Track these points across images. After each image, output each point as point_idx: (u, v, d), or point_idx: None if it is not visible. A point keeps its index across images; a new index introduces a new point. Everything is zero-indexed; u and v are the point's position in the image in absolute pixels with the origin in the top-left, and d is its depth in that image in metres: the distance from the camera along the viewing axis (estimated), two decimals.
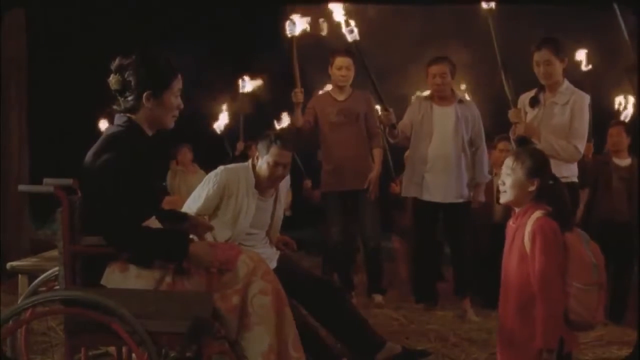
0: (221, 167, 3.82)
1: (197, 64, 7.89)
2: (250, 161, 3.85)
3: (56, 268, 2.76)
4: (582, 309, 2.69)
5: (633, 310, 5.62)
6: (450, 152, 5.05)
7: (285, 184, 3.99)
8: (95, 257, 2.65)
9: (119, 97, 2.78)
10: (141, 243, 2.64)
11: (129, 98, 2.75)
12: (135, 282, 2.65)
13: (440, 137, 5.07)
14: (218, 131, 8.01)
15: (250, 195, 3.74)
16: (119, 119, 2.78)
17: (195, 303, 2.57)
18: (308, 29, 5.26)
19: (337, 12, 4.90)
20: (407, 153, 5.53)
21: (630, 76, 6.44)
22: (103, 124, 7.52)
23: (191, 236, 2.94)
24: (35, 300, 2.58)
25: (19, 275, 3.59)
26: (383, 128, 5.43)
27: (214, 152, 7.96)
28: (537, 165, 2.83)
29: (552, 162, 3.18)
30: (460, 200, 5.09)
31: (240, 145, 7.73)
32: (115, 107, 2.81)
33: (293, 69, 5.30)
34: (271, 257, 3.69)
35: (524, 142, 3.26)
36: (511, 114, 4.39)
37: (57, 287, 2.74)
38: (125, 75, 2.73)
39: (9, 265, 3.61)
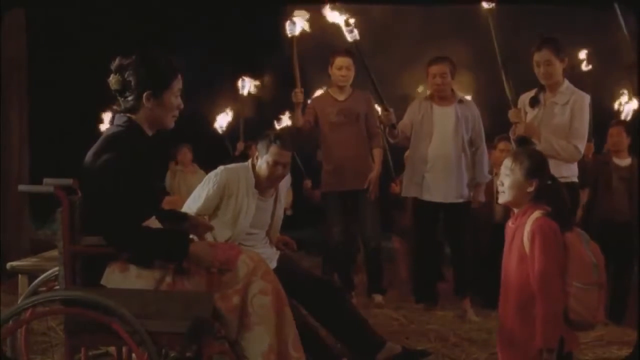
0: (221, 167, 3.82)
1: (197, 64, 7.89)
2: (250, 161, 3.85)
3: (56, 268, 2.76)
4: (582, 309, 2.69)
5: (633, 310, 5.61)
6: (450, 152, 5.05)
7: (285, 184, 3.99)
8: (95, 257, 2.65)
9: (119, 97, 2.78)
10: (141, 243, 2.64)
11: (129, 98, 2.75)
12: (136, 282, 2.65)
13: (441, 137, 5.07)
14: (220, 131, 8.01)
15: (250, 195, 3.74)
16: (119, 119, 2.78)
17: (195, 303, 2.57)
18: (307, 27, 5.24)
19: (333, 15, 4.88)
20: (407, 153, 5.53)
21: (631, 74, 6.44)
22: (106, 116, 7.48)
23: (191, 236, 2.94)
24: (35, 300, 2.59)
25: (19, 275, 3.59)
26: (383, 128, 5.42)
27: (214, 152, 7.96)
28: (536, 165, 2.83)
29: (552, 162, 3.20)
30: (461, 200, 5.09)
31: (240, 145, 7.73)
32: (115, 107, 2.81)
33: (293, 69, 5.30)
34: (271, 257, 3.69)
35: (524, 142, 3.28)
36: (511, 114, 4.39)
37: (57, 287, 2.74)
38: (125, 75, 2.73)
39: (9, 265, 3.61)
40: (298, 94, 5.28)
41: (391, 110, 5.09)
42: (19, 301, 3.07)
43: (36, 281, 3.06)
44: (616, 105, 7.14)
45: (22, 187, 3.25)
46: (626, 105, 6.98)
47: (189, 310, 2.48)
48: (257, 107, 7.95)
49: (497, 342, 2.99)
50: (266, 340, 2.70)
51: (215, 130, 8.03)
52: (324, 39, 5.41)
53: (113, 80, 2.75)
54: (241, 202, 3.72)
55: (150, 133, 2.81)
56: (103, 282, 2.65)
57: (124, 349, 3.02)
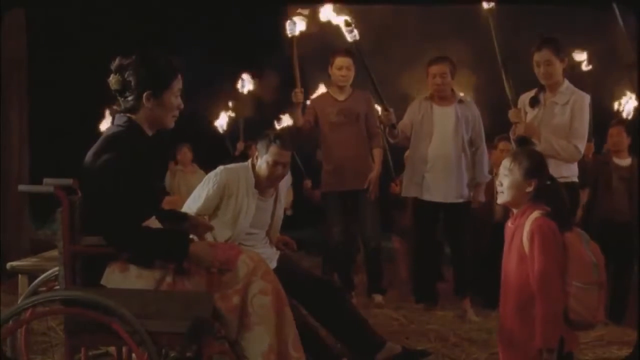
0: (221, 167, 3.82)
1: (197, 64, 7.89)
2: (250, 161, 3.85)
3: (56, 268, 2.76)
4: (582, 309, 2.69)
5: (633, 310, 5.61)
6: (450, 152, 5.05)
7: (285, 183, 3.99)
8: (95, 257, 2.65)
9: (119, 97, 2.79)
10: (141, 243, 2.64)
11: (129, 98, 2.75)
12: (136, 282, 2.65)
13: (440, 137, 5.07)
14: (221, 130, 8.02)
15: (250, 195, 3.74)
16: (119, 119, 2.78)
17: (195, 303, 2.57)
18: (309, 25, 5.24)
19: (330, 15, 4.88)
20: (407, 153, 5.53)
21: (631, 73, 6.44)
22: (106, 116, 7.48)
23: (191, 236, 2.94)
24: (35, 300, 2.59)
25: (19, 275, 3.58)
26: (383, 128, 5.42)
27: (214, 152, 7.97)
28: (534, 165, 2.83)
29: (553, 162, 3.20)
30: (461, 200, 5.09)
31: (240, 145, 7.74)
32: (115, 107, 2.82)
33: (293, 69, 5.30)
34: (271, 257, 3.69)
35: (524, 142, 3.27)
36: (511, 114, 4.39)
37: (57, 287, 2.74)
38: (125, 75, 2.73)
39: (9, 265, 3.61)
40: (298, 94, 5.28)
41: (391, 110, 5.09)
42: (19, 301, 3.07)
43: (36, 281, 3.06)
44: (616, 105, 7.14)
45: (22, 187, 3.26)
46: (626, 105, 6.99)
47: (189, 310, 2.48)
48: (257, 107, 7.96)
49: (498, 342, 2.98)
50: (266, 340, 2.70)
51: (215, 130, 8.05)
52: (324, 39, 5.42)
53: (113, 80, 2.75)
54: (241, 202, 3.71)
55: (150, 133, 2.81)
56: (103, 282, 2.65)
57: (124, 349, 3.02)
